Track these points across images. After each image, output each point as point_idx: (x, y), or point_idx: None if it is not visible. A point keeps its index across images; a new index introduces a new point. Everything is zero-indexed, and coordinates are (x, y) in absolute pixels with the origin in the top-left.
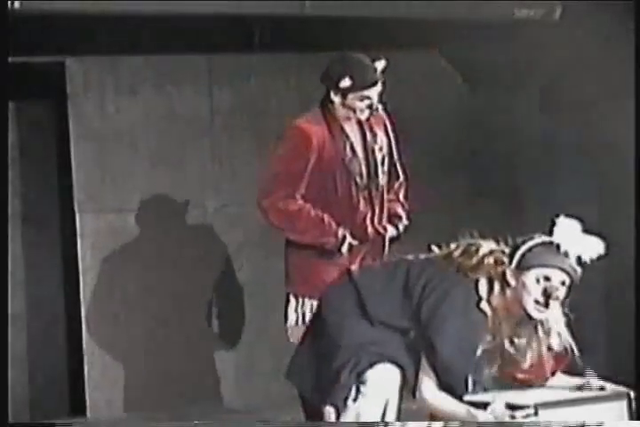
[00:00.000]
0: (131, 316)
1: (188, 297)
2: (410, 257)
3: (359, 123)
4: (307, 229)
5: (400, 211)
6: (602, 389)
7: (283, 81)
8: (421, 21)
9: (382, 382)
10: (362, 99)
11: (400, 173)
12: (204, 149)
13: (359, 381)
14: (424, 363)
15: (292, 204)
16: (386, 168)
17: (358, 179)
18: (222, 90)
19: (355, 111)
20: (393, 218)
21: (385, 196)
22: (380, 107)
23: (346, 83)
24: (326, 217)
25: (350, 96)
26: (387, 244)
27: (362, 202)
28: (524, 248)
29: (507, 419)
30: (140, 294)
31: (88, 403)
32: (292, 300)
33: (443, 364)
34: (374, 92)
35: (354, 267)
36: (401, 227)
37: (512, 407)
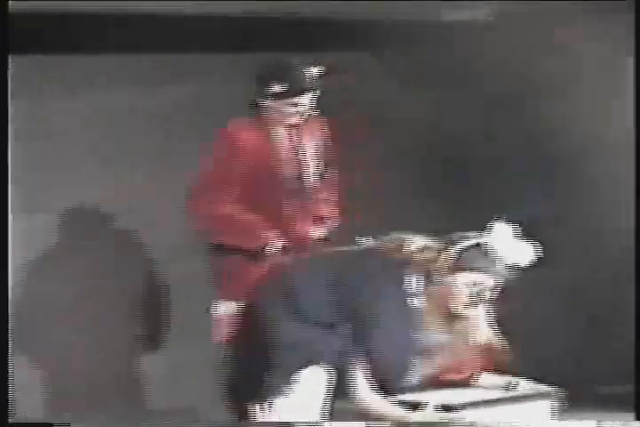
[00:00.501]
0: (58, 316)
1: (114, 299)
2: (341, 249)
3: (290, 126)
4: (235, 232)
5: (329, 210)
6: (530, 388)
7: (218, 81)
8: (354, 22)
9: (311, 383)
10: (293, 105)
11: (330, 172)
12: (143, 149)
13: (288, 381)
14: (360, 361)
15: (221, 208)
16: (316, 171)
17: (288, 183)
18: (161, 90)
19: (286, 117)
20: (322, 219)
21: (314, 196)
22: (312, 113)
23: (277, 88)
24: (256, 220)
25: (282, 102)
26: (316, 245)
27: (291, 207)
28: (458, 247)
29: (439, 420)
30: (68, 295)
31: (10, 404)
32: (219, 301)
33: (378, 361)
34: (306, 99)
35: (286, 262)
36: (329, 227)
37: (444, 408)
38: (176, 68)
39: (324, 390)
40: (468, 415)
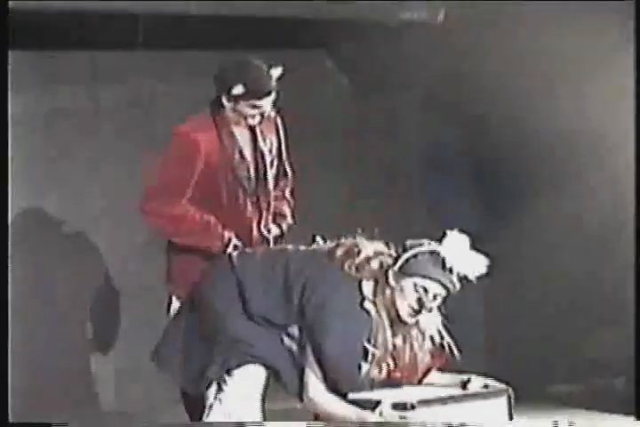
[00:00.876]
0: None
1: (64, 300)
2: (290, 247)
3: (250, 127)
4: (191, 232)
5: (285, 209)
6: (485, 386)
7: (169, 80)
8: (309, 21)
9: (246, 382)
10: (254, 107)
11: (288, 170)
12: (89, 148)
13: (223, 379)
14: (311, 362)
15: (177, 208)
16: (274, 170)
17: (246, 183)
18: (106, 88)
19: (245, 118)
20: (278, 217)
21: (272, 195)
22: (272, 114)
23: (239, 90)
24: (212, 220)
25: (242, 103)
26: (271, 244)
27: (249, 206)
28: (409, 254)
29: (395, 419)
30: (19, 297)
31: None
32: (175, 301)
33: (329, 362)
34: (267, 102)
35: (234, 253)
36: (285, 226)
37: (396, 406)
38: (135, 66)
39: (260, 392)
40: (422, 414)
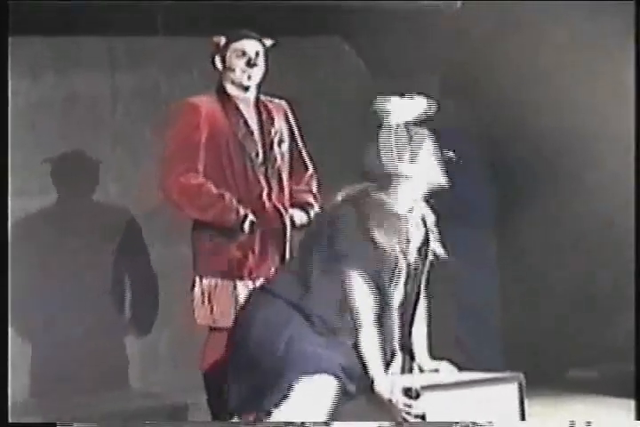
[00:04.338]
0: (40, 300)
1: (99, 283)
2: None
3: (256, 105)
4: (208, 206)
5: (312, 200)
6: (435, 370)
7: (185, 65)
8: (325, 7)
9: (316, 393)
10: (238, 55)
11: (308, 164)
12: (105, 133)
13: (291, 390)
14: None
15: (194, 178)
16: (286, 153)
17: (253, 155)
18: (124, 74)
19: (235, 71)
20: (304, 205)
21: (294, 187)
22: (282, 102)
23: (221, 40)
24: (227, 194)
25: (227, 54)
26: (288, 227)
27: (258, 178)
28: None
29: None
30: (51, 279)
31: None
32: (197, 281)
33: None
34: (250, 47)
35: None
36: (312, 213)
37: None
38: (141, 52)
39: (328, 403)
40: (431, 399)
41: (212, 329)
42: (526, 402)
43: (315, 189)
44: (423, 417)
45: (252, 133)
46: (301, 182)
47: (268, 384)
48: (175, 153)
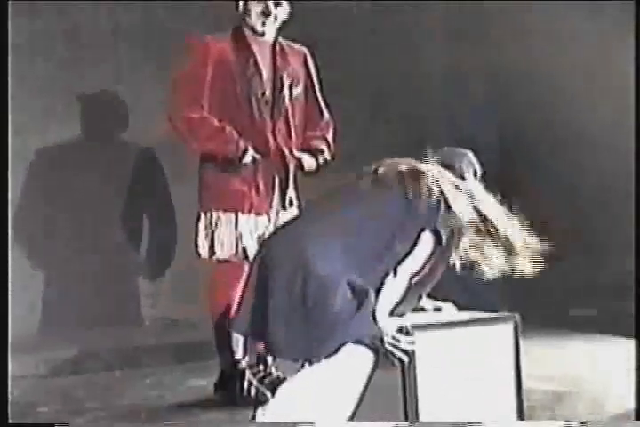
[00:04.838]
0: (57, 237)
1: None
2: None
3: (273, 48)
4: (209, 137)
5: (324, 146)
6: (438, 309)
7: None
8: None
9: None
10: (256, 1)
11: (324, 111)
12: (106, 69)
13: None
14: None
15: (196, 111)
16: (300, 97)
17: (259, 94)
18: (125, 9)
19: (251, 16)
20: (315, 151)
21: (308, 132)
22: (303, 48)
23: None
24: (228, 128)
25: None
26: (290, 169)
27: (263, 116)
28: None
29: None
30: (69, 219)
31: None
32: (202, 215)
33: None
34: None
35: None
36: (321, 160)
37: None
38: None
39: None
40: (426, 338)
41: (219, 262)
42: (522, 342)
43: (330, 137)
44: (411, 354)
45: (260, 73)
46: (316, 129)
47: (318, 337)
48: (181, 88)
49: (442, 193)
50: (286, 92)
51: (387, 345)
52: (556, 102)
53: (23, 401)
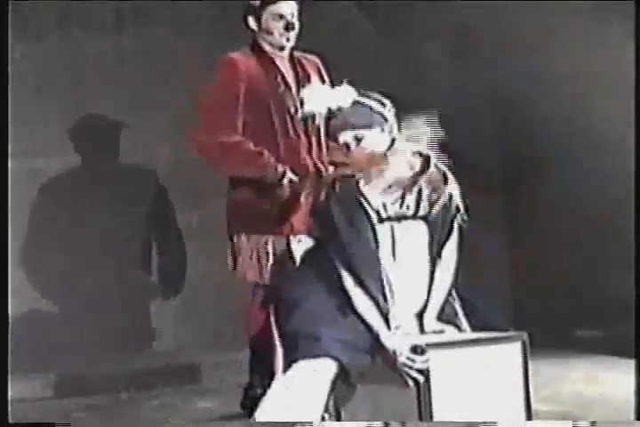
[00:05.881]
0: (64, 260)
1: (124, 243)
2: None
3: (291, 61)
4: (246, 163)
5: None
6: (441, 332)
7: (192, 26)
8: None
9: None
10: (275, 18)
11: None
12: (113, 93)
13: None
14: None
15: (231, 134)
16: None
17: (293, 111)
18: (131, 35)
19: (273, 34)
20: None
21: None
22: (314, 57)
23: (256, 3)
24: (265, 152)
25: (264, 17)
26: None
27: (298, 135)
28: None
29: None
30: (77, 240)
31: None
32: (234, 238)
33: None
34: (286, 9)
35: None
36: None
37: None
38: (147, 13)
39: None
40: (435, 357)
41: (256, 286)
42: (530, 361)
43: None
44: (426, 373)
45: (290, 89)
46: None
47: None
48: (212, 109)
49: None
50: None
51: (401, 366)
52: (558, 111)
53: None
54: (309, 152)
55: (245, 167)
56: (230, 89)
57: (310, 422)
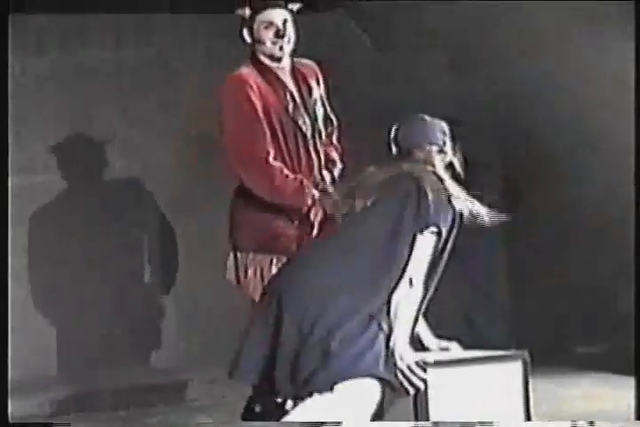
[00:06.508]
0: (64, 273)
1: (119, 243)
2: None
3: (292, 73)
4: (285, 189)
5: (334, 155)
6: (445, 349)
7: (191, 39)
8: None
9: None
10: (265, 26)
11: (333, 118)
12: (112, 107)
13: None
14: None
15: (270, 162)
16: (322, 115)
17: (304, 128)
18: (130, 48)
19: (265, 44)
20: (328, 163)
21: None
22: (312, 63)
23: (246, 11)
24: (305, 181)
25: (255, 27)
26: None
27: (310, 153)
28: None
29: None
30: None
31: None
32: (238, 254)
33: None
34: (276, 16)
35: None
36: (336, 172)
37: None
38: (146, 27)
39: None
40: (436, 375)
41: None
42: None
43: (335, 141)
44: (424, 386)
45: (297, 105)
46: (328, 137)
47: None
48: (242, 139)
49: (426, 192)
50: (320, 120)
51: (401, 374)
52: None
53: None
54: (320, 170)
55: (284, 194)
56: (250, 111)
57: None
